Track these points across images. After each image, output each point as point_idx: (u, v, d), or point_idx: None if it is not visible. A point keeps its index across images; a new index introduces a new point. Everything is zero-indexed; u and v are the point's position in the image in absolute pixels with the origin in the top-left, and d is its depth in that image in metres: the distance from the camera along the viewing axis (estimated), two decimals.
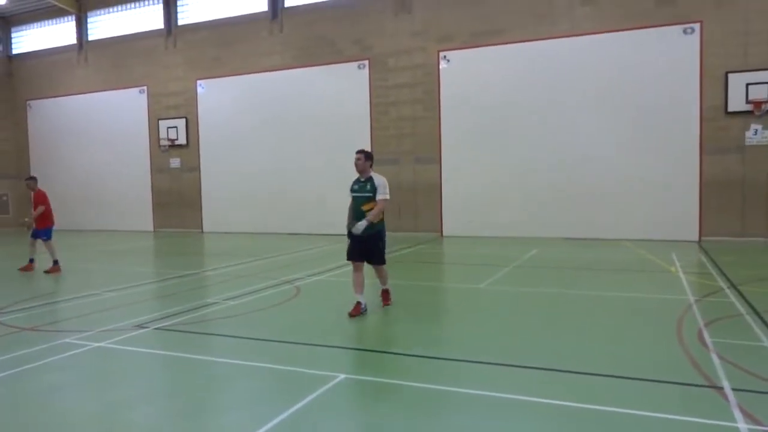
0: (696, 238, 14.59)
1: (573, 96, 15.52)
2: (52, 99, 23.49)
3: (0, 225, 23.56)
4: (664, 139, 14.71)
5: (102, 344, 5.97)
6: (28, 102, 24.06)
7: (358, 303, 7.08)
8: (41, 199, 11.61)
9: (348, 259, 7.32)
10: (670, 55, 14.59)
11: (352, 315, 6.93)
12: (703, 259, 11.67)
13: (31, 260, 11.63)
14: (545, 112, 15.85)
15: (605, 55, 15.17)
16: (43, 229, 11.66)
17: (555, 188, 15.79)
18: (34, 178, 12.17)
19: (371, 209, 6.99)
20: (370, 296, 7.74)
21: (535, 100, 15.93)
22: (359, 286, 7.15)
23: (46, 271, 11.33)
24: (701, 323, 6.38)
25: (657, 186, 14.83)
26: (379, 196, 7.02)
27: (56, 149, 23.51)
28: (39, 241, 11.73)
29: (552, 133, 15.79)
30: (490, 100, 16.40)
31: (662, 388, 4.48)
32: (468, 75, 16.65)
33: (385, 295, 7.59)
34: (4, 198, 23.78)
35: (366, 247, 7.20)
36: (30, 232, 11.86)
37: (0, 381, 4.99)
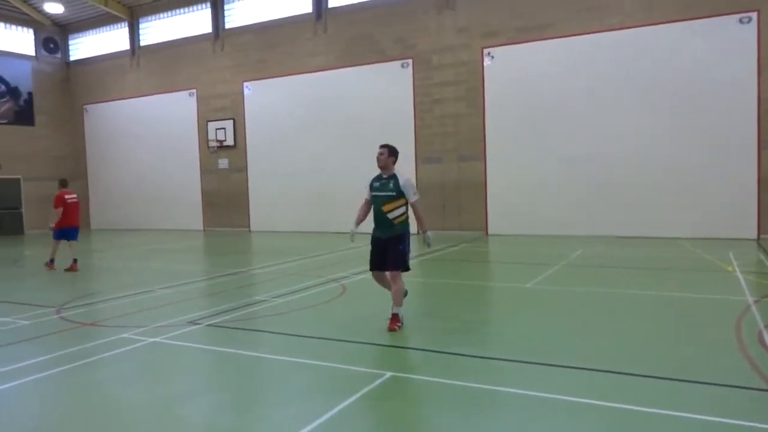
0: (754, 236, 14.01)
1: (622, 90, 15.12)
2: (107, 103, 24.39)
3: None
4: (720, 134, 14.17)
5: (157, 339, 6.18)
6: (84, 106, 25.05)
7: (395, 315, 6.34)
8: (54, 202, 12.00)
9: (371, 268, 6.64)
10: (725, 46, 14.03)
11: (390, 329, 6.22)
12: (762, 257, 11.20)
13: (74, 260, 11.85)
14: (592, 107, 15.50)
15: (656, 47, 14.72)
16: (55, 230, 12.02)
17: (603, 185, 15.43)
18: (59, 181, 12.51)
19: (393, 210, 6.39)
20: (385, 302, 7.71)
21: (581, 95, 15.60)
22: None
23: (63, 269, 11.73)
24: (761, 324, 6.13)
25: (712, 182, 14.30)
26: (412, 199, 6.45)
27: (110, 151, 24.40)
28: (70, 241, 12.03)
29: (600, 128, 15.43)
30: (535, 96, 16.15)
31: (720, 392, 4.33)
32: (512, 71, 16.44)
33: (394, 319, 6.32)
34: None
35: (383, 250, 6.43)
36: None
37: (63, 373, 5.23)
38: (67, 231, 12.04)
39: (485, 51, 16.75)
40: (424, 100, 17.77)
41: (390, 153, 6.58)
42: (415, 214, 6.59)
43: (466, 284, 9.47)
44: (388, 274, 6.50)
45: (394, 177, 6.45)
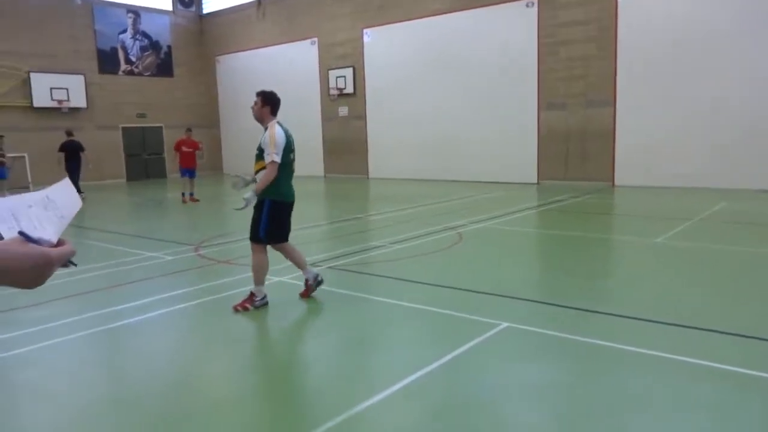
0: None
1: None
2: (236, 54, 25.56)
3: (198, 169, 26.60)
4: None
5: (283, 279, 6.56)
6: (216, 57, 26.46)
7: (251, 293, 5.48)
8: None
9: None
10: None
11: (234, 307, 5.40)
12: None
13: (189, 194, 14.91)
14: (737, 48, 13.74)
15: None
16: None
17: (750, 131, 13.80)
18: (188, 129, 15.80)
19: (259, 171, 5.45)
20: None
21: (725, 35, 13.86)
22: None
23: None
24: None
25: None
26: (266, 159, 5.30)
27: (240, 100, 25.65)
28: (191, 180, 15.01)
29: (747, 67, 13.70)
30: (674, 36, 14.62)
31: None
32: (650, 9, 14.95)
33: (247, 298, 5.45)
34: (201, 145, 26.68)
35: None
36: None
37: (199, 306, 5.73)
38: (185, 171, 14.96)
39: None
40: (548, 42, 16.76)
41: (264, 101, 5.52)
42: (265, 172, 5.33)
43: (588, 237, 9.03)
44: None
45: (265, 131, 5.47)
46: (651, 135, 15.23)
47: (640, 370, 3.90)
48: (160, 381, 4.07)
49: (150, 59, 24.95)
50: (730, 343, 4.31)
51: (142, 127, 24.62)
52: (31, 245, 1.11)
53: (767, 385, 3.61)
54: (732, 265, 6.88)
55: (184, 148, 14.88)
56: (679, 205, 11.75)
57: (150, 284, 6.65)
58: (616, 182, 15.92)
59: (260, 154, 5.42)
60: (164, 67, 25.50)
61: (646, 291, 5.89)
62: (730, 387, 3.60)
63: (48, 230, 1.16)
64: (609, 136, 15.98)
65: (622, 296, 5.81)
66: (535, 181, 17.21)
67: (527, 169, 17.32)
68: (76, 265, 1.24)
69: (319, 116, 22.86)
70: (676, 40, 14.64)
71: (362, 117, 21.52)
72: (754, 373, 3.74)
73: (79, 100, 22.15)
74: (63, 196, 1.25)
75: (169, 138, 25.34)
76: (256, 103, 5.54)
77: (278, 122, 5.56)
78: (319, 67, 22.49)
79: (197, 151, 15.10)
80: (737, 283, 6.07)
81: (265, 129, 5.48)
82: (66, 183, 1.31)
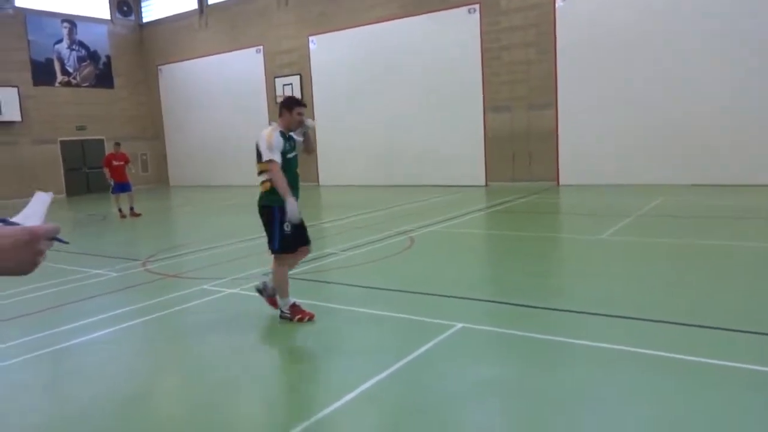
0: None
1: (703, 30, 13.97)
2: (179, 63, 25.04)
3: (142, 182, 25.85)
4: None
5: (234, 291, 6.47)
6: (158, 67, 25.85)
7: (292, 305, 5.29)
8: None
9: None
10: None
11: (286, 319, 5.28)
12: None
13: (130, 209, 14.23)
14: (671, 49, 14.44)
15: None
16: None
17: (683, 131, 14.49)
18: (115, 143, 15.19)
19: (260, 174, 5.17)
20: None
21: (659, 37, 14.55)
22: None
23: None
24: None
25: None
26: (263, 158, 5.06)
27: (184, 110, 25.20)
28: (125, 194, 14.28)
29: (678, 71, 14.41)
30: (609, 39, 15.23)
31: None
32: (586, 13, 15.52)
33: (296, 311, 5.25)
34: (144, 157, 25.99)
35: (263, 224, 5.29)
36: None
37: (149, 322, 5.58)
38: (120, 186, 14.37)
39: None
40: (491, 47, 17.15)
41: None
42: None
43: (537, 236, 9.28)
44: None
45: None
46: (591, 135, 15.79)
47: (591, 363, 4.03)
48: (109, 402, 3.94)
49: (88, 70, 24.16)
50: (675, 332, 4.51)
51: (82, 140, 23.79)
52: (11, 226, 1.09)
53: (711, 370, 3.80)
54: (671, 257, 7.20)
55: (115, 163, 14.37)
56: (620, 202, 12.21)
57: (97, 302, 6.43)
58: (561, 181, 16.40)
59: (257, 155, 5.15)
60: (104, 78, 24.74)
61: (593, 286, 6.10)
62: (677, 375, 3.77)
63: (30, 220, 1.18)
64: (552, 137, 16.47)
65: (572, 292, 6.00)
66: (484, 184, 17.54)
67: (475, 172, 17.64)
68: (67, 242, 1.25)
69: (267, 124, 22.55)
70: (611, 44, 15.24)
71: None
72: (697, 359, 3.92)
73: (12, 113, 21.21)
74: (36, 202, 1.31)
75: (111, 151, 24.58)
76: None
77: (271, 124, 5.39)
78: (265, 75, 22.29)
79: (127, 165, 14.58)
80: (678, 274, 6.35)
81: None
82: (37, 196, 1.33)
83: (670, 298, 5.48)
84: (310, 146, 5.57)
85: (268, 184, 5.05)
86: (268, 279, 5.49)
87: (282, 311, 5.29)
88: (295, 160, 5.25)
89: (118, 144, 15.06)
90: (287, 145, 5.13)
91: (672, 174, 14.68)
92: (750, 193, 12.53)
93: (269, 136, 5.05)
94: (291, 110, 5.26)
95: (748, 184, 13.57)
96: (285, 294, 5.27)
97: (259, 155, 5.09)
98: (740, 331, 4.42)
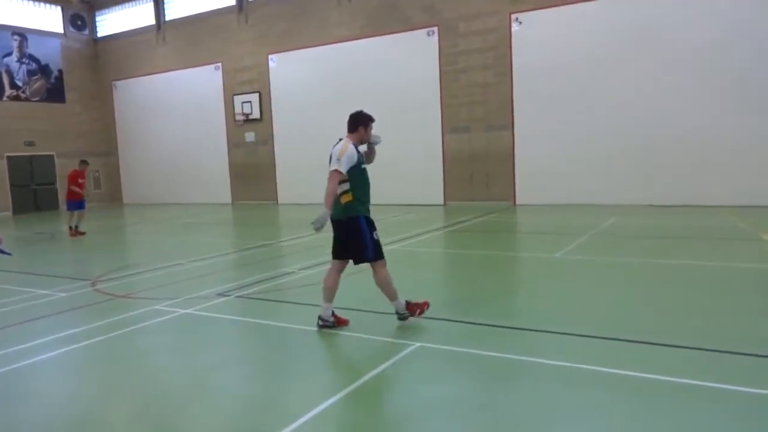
0: None
1: (654, 55, 14.58)
2: (135, 79, 24.59)
3: (94, 200, 25.10)
4: (761, 98, 13.60)
5: (188, 311, 6.30)
6: (113, 82, 25.31)
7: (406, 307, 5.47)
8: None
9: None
10: None
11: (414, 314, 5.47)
12: None
13: (74, 227, 13.86)
14: (623, 73, 15.02)
15: (689, 9, 14.12)
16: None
17: (636, 153, 15.01)
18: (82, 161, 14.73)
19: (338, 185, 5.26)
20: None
21: (612, 61, 15.12)
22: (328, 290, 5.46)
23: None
24: None
25: (749, 148, 13.79)
26: (330, 168, 5.25)
27: (140, 127, 24.70)
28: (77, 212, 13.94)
29: (630, 94, 14.97)
30: (565, 62, 15.73)
31: (752, 362, 4.24)
32: (542, 37, 16.00)
33: (412, 308, 5.46)
34: (96, 174, 25.28)
35: (338, 235, 5.42)
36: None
37: (98, 344, 5.38)
38: (69, 203, 14.22)
39: (513, 17, 16.32)
40: (450, 69, 17.46)
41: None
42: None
43: (494, 255, 9.40)
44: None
45: (339, 141, 5.39)
46: (547, 156, 16.17)
47: (547, 381, 4.07)
48: (54, 427, 3.75)
49: (39, 84, 23.47)
50: (630, 350, 4.61)
51: (31, 156, 23.00)
52: None
53: (666, 388, 3.88)
54: (624, 276, 7.39)
55: (80, 180, 14.10)
56: (574, 222, 12.50)
57: (44, 323, 6.16)
58: (518, 201, 16.71)
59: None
60: (55, 92, 24.06)
61: (548, 304, 6.19)
62: (631, 393, 3.84)
63: None
64: (509, 158, 16.79)
65: (528, 310, 6.07)
66: (442, 203, 17.71)
67: (434, 191, 17.81)
68: (10, 254, 1.19)
69: (225, 142, 22.39)
70: (566, 67, 15.73)
71: (269, 142, 21.30)
72: (652, 377, 4.00)
73: None
74: None
75: (62, 167, 23.83)
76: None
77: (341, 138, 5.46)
78: (224, 92, 22.09)
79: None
80: (631, 293, 6.51)
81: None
82: None
83: (624, 316, 5.61)
84: (372, 158, 5.73)
85: (349, 196, 5.21)
86: (321, 310, 5.44)
87: (400, 313, 5.42)
88: (366, 171, 5.43)
89: (85, 162, 14.66)
90: (361, 157, 5.33)
91: (626, 194, 15.14)
92: (700, 213, 13.02)
93: (344, 149, 5.21)
94: (367, 126, 5.48)
95: (699, 204, 14.11)
96: (395, 296, 5.39)
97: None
98: (693, 349, 4.55)
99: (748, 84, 13.70)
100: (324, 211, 5.04)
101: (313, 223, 5.06)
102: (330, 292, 5.43)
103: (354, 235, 5.26)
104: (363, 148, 5.51)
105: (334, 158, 5.19)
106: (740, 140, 13.88)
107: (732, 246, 9.26)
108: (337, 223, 5.33)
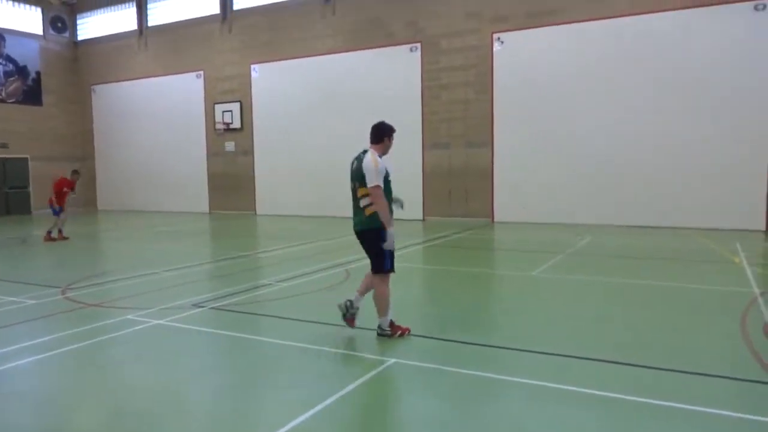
0: (763, 227, 13.88)
1: (632, 77, 14.91)
2: (114, 84, 24.33)
3: (68, 205, 24.68)
4: (732, 124, 13.97)
5: (162, 322, 6.21)
6: (92, 87, 25.01)
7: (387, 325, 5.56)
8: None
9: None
10: (739, 35, 13.80)
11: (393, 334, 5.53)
12: None
13: (59, 231, 13.87)
14: (602, 95, 15.32)
15: (666, 35, 14.50)
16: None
17: (612, 173, 15.28)
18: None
19: (363, 197, 5.37)
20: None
21: (591, 83, 15.42)
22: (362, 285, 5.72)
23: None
24: (767, 317, 6.09)
25: (721, 172, 14.12)
26: (367, 185, 5.26)
27: (118, 132, 24.40)
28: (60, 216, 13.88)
29: (609, 116, 15.26)
30: (544, 82, 15.98)
31: (722, 384, 4.31)
32: (522, 57, 16.25)
33: (395, 329, 5.54)
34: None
35: (362, 244, 5.60)
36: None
37: (68, 354, 5.26)
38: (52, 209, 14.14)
39: (495, 36, 16.56)
40: (431, 85, 17.62)
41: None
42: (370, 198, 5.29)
43: (471, 271, 9.44)
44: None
45: (364, 153, 5.44)
46: (525, 174, 16.35)
47: (519, 399, 4.09)
48: None
49: (15, 85, 23.10)
50: (602, 370, 4.65)
51: (4, 159, 22.56)
52: None
53: (637, 408, 3.92)
54: (598, 295, 7.48)
55: (65, 189, 14.01)
56: (551, 240, 12.63)
57: (10, 332, 6.01)
58: (496, 218, 16.84)
59: (361, 179, 5.30)
60: (32, 95, 23.70)
61: (523, 323, 6.23)
62: (603, 412, 3.87)
63: None
64: (488, 175, 16.95)
65: (502, 328, 6.10)
66: (421, 218, 17.78)
67: (413, 206, 17.84)
68: None
69: (205, 151, 22.22)
70: (546, 87, 15.98)
71: (249, 152, 21.20)
72: (623, 397, 4.05)
73: None
74: None
75: (35, 170, 23.41)
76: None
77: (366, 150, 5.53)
78: (205, 100, 21.97)
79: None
80: (604, 312, 6.59)
81: (365, 152, 5.48)
82: None
83: (597, 335, 5.67)
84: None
85: (373, 208, 5.27)
86: (355, 298, 5.62)
87: (382, 328, 5.50)
88: (390, 183, 5.46)
89: (76, 172, 14.59)
90: (387, 169, 5.36)
91: (602, 214, 15.36)
92: (673, 235, 13.26)
93: (376, 162, 5.24)
94: (391, 136, 5.66)
95: (673, 226, 14.38)
96: (385, 312, 5.48)
97: (361, 179, 5.23)
98: (665, 370, 4.61)
99: (722, 110, 14.05)
100: (389, 232, 5.27)
101: (385, 247, 5.30)
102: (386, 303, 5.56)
103: (376, 245, 5.37)
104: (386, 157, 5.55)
105: (368, 173, 5.21)
106: (713, 165, 14.20)
107: (704, 267, 9.44)
108: (361, 234, 5.45)
